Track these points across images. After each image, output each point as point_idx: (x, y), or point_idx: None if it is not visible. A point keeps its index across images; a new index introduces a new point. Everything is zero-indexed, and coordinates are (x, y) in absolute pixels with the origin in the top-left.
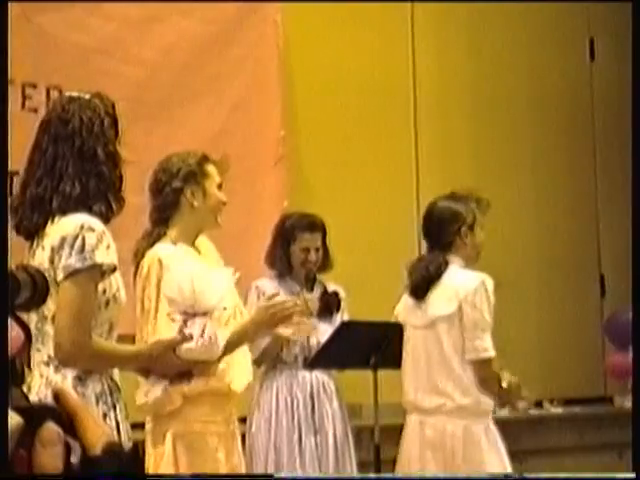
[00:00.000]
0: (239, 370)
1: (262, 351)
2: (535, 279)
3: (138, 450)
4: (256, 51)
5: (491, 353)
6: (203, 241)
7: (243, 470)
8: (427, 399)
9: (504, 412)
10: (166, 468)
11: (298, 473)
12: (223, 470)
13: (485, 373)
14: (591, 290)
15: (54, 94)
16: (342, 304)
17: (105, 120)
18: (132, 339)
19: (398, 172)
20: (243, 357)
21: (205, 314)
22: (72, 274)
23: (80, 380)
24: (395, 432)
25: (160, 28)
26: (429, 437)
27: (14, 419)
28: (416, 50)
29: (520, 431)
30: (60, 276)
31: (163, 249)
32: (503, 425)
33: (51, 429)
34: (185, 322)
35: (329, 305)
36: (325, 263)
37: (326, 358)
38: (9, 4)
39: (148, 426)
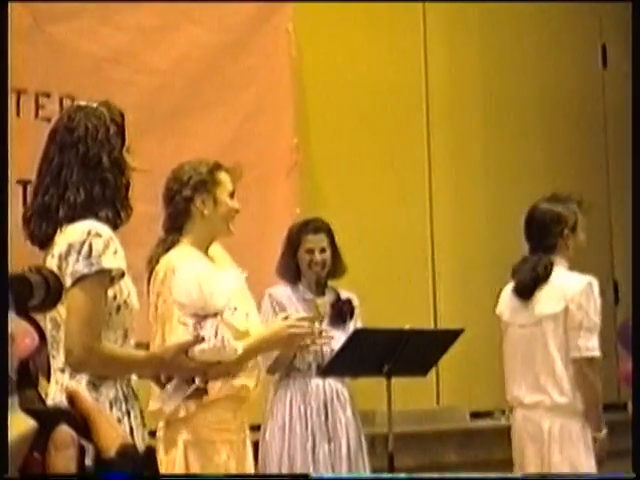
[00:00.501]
0: (250, 378)
1: (275, 359)
2: None
3: (152, 452)
4: (268, 60)
5: (595, 353)
6: (216, 249)
7: None
8: (528, 395)
9: None
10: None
11: None
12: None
13: (587, 372)
14: (604, 297)
15: (67, 103)
16: (355, 311)
17: (111, 128)
18: (147, 347)
19: (411, 179)
20: (254, 365)
21: (216, 315)
22: (80, 280)
23: (94, 386)
24: (409, 440)
25: (172, 37)
26: (530, 432)
27: (28, 422)
28: (428, 58)
29: None
30: (68, 282)
31: (178, 255)
32: None
33: (64, 432)
34: (197, 325)
35: (342, 312)
36: (336, 268)
37: (339, 366)
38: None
39: (160, 432)
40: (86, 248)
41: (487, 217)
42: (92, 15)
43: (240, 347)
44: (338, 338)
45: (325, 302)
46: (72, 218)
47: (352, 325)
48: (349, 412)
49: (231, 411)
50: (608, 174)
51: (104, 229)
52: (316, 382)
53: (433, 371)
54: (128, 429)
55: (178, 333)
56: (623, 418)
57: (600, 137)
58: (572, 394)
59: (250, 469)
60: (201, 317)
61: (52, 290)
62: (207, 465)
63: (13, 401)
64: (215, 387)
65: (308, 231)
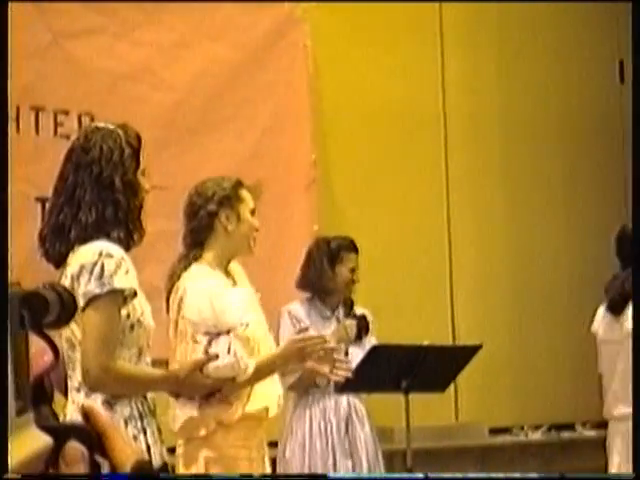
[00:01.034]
0: (271, 395)
1: (298, 378)
2: (566, 297)
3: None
4: (286, 76)
5: None
6: (235, 266)
7: None
8: (617, 408)
9: (537, 435)
10: None
11: None
12: None
13: None
14: None
15: (85, 120)
16: (370, 327)
17: (126, 150)
18: (166, 364)
19: (428, 195)
20: (273, 382)
21: (229, 332)
22: (92, 300)
23: (109, 404)
24: (428, 456)
25: (190, 54)
26: (617, 444)
27: (44, 439)
28: (446, 74)
29: (552, 453)
30: (81, 303)
31: (193, 272)
32: (536, 448)
33: (74, 448)
34: (210, 342)
35: (358, 329)
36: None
37: (357, 382)
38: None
39: (179, 450)
40: (98, 269)
41: (505, 232)
42: (110, 32)
43: (253, 363)
44: (355, 354)
45: (353, 324)
46: (84, 239)
47: (367, 341)
48: (367, 428)
49: (251, 429)
50: (626, 190)
51: (116, 249)
52: (335, 398)
53: (451, 387)
54: (145, 446)
55: (195, 350)
56: None
57: (619, 152)
58: None
59: None
60: (214, 335)
61: (66, 307)
62: None
63: (29, 418)
64: (237, 410)
65: (350, 249)
